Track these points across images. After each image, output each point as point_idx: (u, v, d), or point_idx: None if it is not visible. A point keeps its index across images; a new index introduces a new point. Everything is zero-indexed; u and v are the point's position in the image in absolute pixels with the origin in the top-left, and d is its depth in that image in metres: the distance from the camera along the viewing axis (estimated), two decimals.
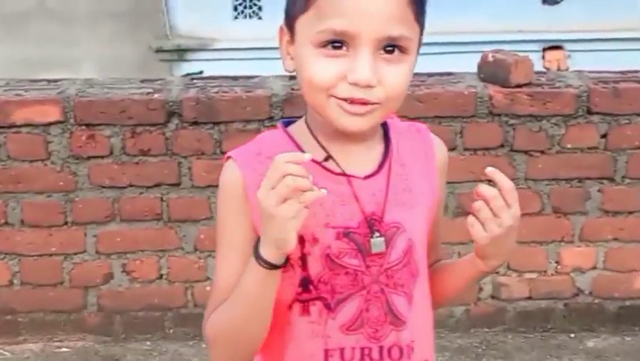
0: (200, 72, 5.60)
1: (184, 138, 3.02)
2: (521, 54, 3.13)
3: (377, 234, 1.29)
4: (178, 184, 3.06)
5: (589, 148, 3.10)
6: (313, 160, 1.25)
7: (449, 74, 3.20)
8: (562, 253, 3.18)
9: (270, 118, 2.98)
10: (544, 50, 6.00)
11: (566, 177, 3.12)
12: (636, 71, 3.23)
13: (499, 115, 3.06)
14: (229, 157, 1.32)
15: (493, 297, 3.21)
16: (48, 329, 3.14)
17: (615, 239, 3.18)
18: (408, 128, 1.39)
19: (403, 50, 1.23)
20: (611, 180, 3.13)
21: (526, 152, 3.09)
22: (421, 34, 1.27)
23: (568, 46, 5.97)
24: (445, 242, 2.73)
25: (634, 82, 3.13)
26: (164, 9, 6.03)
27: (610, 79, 3.13)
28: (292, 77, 2.92)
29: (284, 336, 1.31)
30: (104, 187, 3.05)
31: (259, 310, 1.26)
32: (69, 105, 2.99)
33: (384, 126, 1.34)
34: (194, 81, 3.20)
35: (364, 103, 1.22)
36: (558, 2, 6.06)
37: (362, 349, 1.30)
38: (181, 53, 6.01)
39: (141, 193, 3.06)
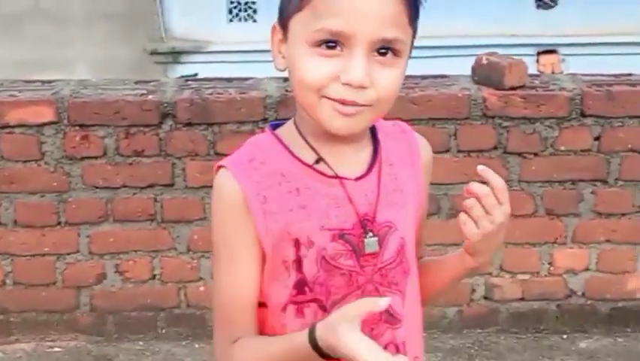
0: (195, 75, 5.57)
1: (178, 139, 3.02)
2: (516, 58, 3.13)
3: (370, 234, 1.29)
4: (172, 185, 3.06)
5: (582, 150, 3.10)
6: (304, 163, 1.25)
7: (443, 76, 3.21)
8: (555, 254, 3.19)
9: (264, 120, 2.98)
10: (539, 53, 6.01)
11: (559, 179, 3.13)
12: (629, 75, 3.24)
13: (492, 117, 3.06)
14: (221, 166, 1.30)
15: (485, 298, 3.22)
16: (40, 328, 3.14)
17: (608, 241, 3.18)
18: (393, 128, 1.39)
19: (396, 53, 1.23)
20: (604, 182, 3.13)
21: (519, 154, 3.10)
22: (414, 38, 1.27)
23: (562, 50, 5.97)
24: (438, 243, 2.78)
25: (627, 85, 3.14)
26: (158, 11, 6.01)
27: (603, 82, 3.13)
28: (286, 79, 2.90)
29: None
30: (97, 188, 3.05)
31: None
32: (63, 106, 2.99)
33: (372, 127, 1.34)
34: (189, 82, 3.20)
35: (355, 104, 1.22)
36: (552, 6, 6.07)
37: None
38: (176, 55, 5.98)
39: (135, 194, 3.06)
